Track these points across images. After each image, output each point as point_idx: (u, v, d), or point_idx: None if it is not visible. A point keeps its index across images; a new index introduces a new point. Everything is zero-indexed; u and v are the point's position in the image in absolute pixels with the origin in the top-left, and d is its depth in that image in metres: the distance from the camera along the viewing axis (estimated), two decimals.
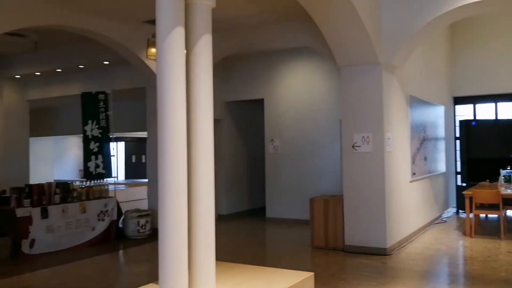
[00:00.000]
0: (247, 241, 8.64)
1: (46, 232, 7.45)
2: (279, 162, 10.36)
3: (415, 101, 8.68)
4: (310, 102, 10.02)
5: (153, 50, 7.38)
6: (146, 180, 15.98)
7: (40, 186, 7.61)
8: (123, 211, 8.81)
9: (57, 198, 7.73)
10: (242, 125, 11.52)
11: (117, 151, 9.34)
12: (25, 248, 7.17)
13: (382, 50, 7.10)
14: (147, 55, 7.42)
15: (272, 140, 10.45)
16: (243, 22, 8.19)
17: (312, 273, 4.89)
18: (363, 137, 7.19)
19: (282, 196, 10.29)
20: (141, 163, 19.10)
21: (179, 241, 3.92)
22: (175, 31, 3.93)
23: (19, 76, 11.06)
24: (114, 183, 9.18)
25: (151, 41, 7.42)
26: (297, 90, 10.20)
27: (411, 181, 8.35)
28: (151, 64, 8.35)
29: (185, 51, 4.12)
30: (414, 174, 8.53)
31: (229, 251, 7.28)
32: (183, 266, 3.96)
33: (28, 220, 7.22)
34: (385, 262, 6.68)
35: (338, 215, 7.46)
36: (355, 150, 7.25)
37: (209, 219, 4.23)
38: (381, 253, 7.02)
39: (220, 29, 7.56)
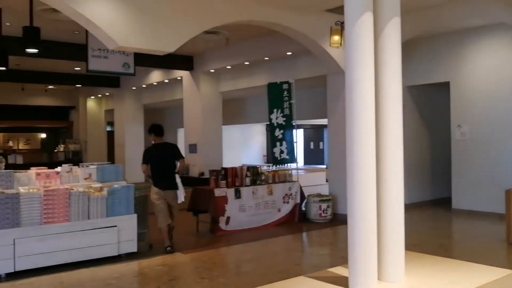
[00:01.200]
0: (432, 233, 8.25)
1: (239, 211, 8.17)
2: (468, 149, 9.61)
3: None
4: (503, 84, 9.05)
5: (336, 37, 7.51)
6: (323, 166, 16.44)
7: (233, 169, 8.37)
8: (305, 195, 9.18)
9: (248, 180, 8.41)
10: (425, 110, 10.97)
11: (297, 138, 9.71)
12: (222, 224, 7.98)
13: None
14: (330, 43, 7.56)
15: (459, 125, 9.73)
16: (430, 1, 7.77)
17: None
18: None
19: (471, 186, 9.54)
20: (319, 149, 19.53)
21: (368, 226, 3.97)
22: (364, 16, 3.96)
23: (213, 70, 12.23)
24: (297, 168, 9.59)
25: (334, 29, 7.54)
26: (488, 72, 9.30)
27: None
28: (332, 52, 8.47)
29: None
30: None
31: (414, 242, 7.04)
32: (372, 251, 4.01)
33: (225, 199, 8.01)
34: None
35: None
36: None
37: (398, 205, 4.20)
38: None
39: (406, 11, 7.30)
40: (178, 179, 6.98)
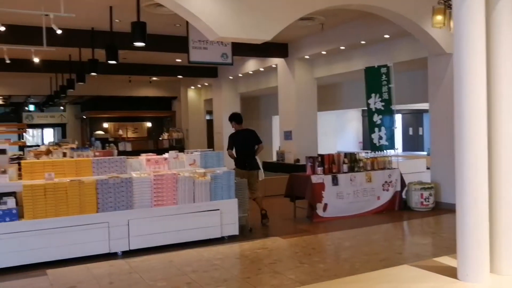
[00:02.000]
0: None
1: (337, 198, 8.14)
2: None
3: None
4: None
5: (438, 17, 7.09)
6: (423, 152, 15.76)
7: (330, 156, 8.34)
8: (406, 182, 8.89)
9: (345, 167, 8.33)
10: None
11: (396, 123, 9.40)
12: (319, 210, 8.00)
13: None
14: (432, 24, 7.18)
15: None
16: None
17: None
18: None
19: None
20: (418, 135, 18.74)
21: (480, 215, 3.78)
22: None
23: (308, 57, 12.19)
24: (396, 155, 9.31)
25: (437, 8, 7.13)
26: None
27: None
28: (434, 33, 8.05)
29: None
30: None
31: None
32: (484, 241, 3.81)
33: (322, 186, 8.02)
34: None
35: None
36: None
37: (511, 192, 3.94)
38: None
39: None
40: (258, 161, 7.99)
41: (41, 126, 22.44)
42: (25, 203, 5.64)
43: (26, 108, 21.43)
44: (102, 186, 5.97)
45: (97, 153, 6.77)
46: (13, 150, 13.43)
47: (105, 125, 20.37)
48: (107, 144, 14.54)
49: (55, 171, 6.08)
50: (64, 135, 21.67)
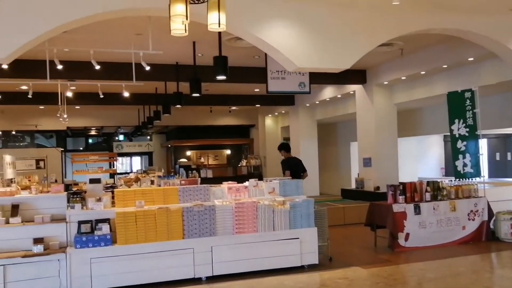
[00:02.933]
0: None
1: (419, 227, 7.89)
2: None
3: None
4: None
5: None
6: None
7: (412, 184, 8.13)
8: (494, 211, 8.43)
9: (428, 196, 8.08)
10: None
11: (482, 149, 8.97)
12: (401, 240, 7.79)
13: None
14: None
15: None
16: None
17: None
18: None
19: None
20: (506, 160, 17.63)
21: None
22: None
23: (386, 82, 12.06)
24: (483, 182, 8.87)
25: None
26: None
27: None
28: None
29: None
30: None
31: None
32: None
33: (403, 215, 7.82)
34: None
35: None
36: None
37: None
38: None
39: None
40: None
41: (130, 154, 23.88)
42: (118, 229, 6.07)
43: (116, 138, 23.00)
44: (187, 214, 6.28)
45: (182, 181, 7.12)
46: (105, 177, 14.41)
47: (188, 153, 21.26)
48: (190, 171, 15.15)
49: (144, 199, 6.49)
50: (150, 163, 22.89)
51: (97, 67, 7.74)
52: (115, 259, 5.99)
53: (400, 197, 7.93)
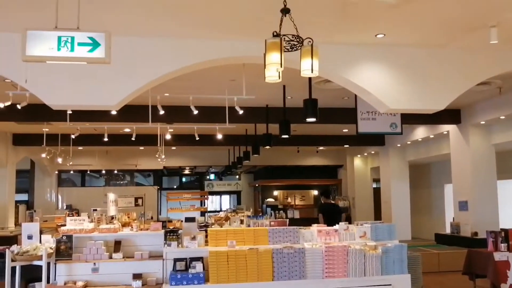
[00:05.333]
0: None
1: None
2: None
3: None
4: None
5: None
6: None
7: None
8: None
9: None
10: None
11: None
12: None
13: None
14: None
15: None
16: None
17: None
18: None
19: None
20: None
21: None
22: None
23: (483, 122, 11.46)
24: None
25: None
26: None
27: None
28: None
29: None
30: None
31: None
32: None
33: (507, 264, 7.26)
34: None
35: None
36: None
37: None
38: None
39: None
40: None
41: (220, 193, 24.56)
42: (211, 268, 6.23)
43: (208, 177, 23.84)
44: (277, 255, 6.31)
45: (272, 222, 7.20)
46: (196, 215, 14.92)
47: (275, 192, 21.43)
48: (277, 211, 15.24)
49: (235, 239, 6.64)
50: (239, 202, 23.36)
51: (195, 112, 8.19)
52: None
53: (502, 244, 7.39)
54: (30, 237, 6.36)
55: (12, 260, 6.02)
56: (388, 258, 6.51)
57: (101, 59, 4.12)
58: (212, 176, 24.11)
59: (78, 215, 10.14)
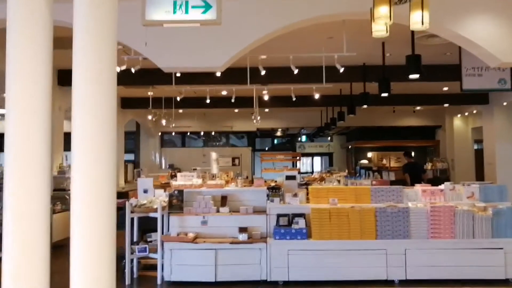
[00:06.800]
0: None
1: None
2: None
3: None
4: None
5: None
6: None
7: None
8: None
9: None
10: None
11: None
12: None
13: None
14: None
15: None
16: None
17: None
18: None
19: None
20: None
21: None
22: None
23: None
24: None
25: None
26: None
27: None
28: None
29: None
30: None
31: None
32: None
33: None
34: None
35: None
36: None
37: None
38: None
39: None
40: None
41: (311, 155, 24.62)
42: (313, 225, 6.39)
43: (299, 138, 23.93)
44: (380, 214, 6.30)
45: (374, 182, 7.16)
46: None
47: (369, 154, 21.05)
48: (371, 173, 15.01)
49: (337, 197, 6.70)
50: (330, 164, 23.28)
51: (296, 71, 8.19)
52: (310, 253, 6.32)
53: None
54: (145, 191, 6.90)
55: (131, 212, 6.58)
56: (499, 220, 6.25)
57: (212, 20, 4.27)
58: (303, 138, 24.16)
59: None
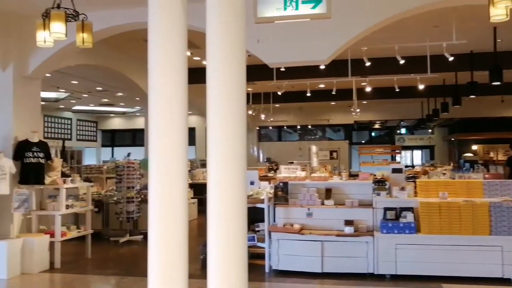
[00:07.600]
0: None
1: None
2: None
3: None
4: None
5: None
6: None
7: None
8: None
9: None
10: None
11: None
12: None
13: None
14: None
15: None
16: None
17: None
18: None
19: None
20: None
21: None
22: None
23: None
24: None
25: None
26: None
27: None
28: None
29: None
30: None
31: None
32: None
33: None
34: None
35: None
36: None
37: None
38: None
39: None
40: None
41: (411, 148, 23.71)
42: (422, 219, 6.22)
43: (398, 131, 23.16)
44: (495, 209, 5.99)
45: (486, 175, 6.79)
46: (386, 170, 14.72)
47: (474, 147, 19.86)
48: (476, 167, 14.15)
49: (447, 191, 6.46)
50: (431, 157, 22.26)
51: (402, 61, 8.00)
52: (419, 248, 6.17)
53: None
54: (252, 183, 7.15)
55: None
56: None
57: (322, 14, 4.33)
58: (403, 130, 23.32)
59: (277, 167, 10.93)
